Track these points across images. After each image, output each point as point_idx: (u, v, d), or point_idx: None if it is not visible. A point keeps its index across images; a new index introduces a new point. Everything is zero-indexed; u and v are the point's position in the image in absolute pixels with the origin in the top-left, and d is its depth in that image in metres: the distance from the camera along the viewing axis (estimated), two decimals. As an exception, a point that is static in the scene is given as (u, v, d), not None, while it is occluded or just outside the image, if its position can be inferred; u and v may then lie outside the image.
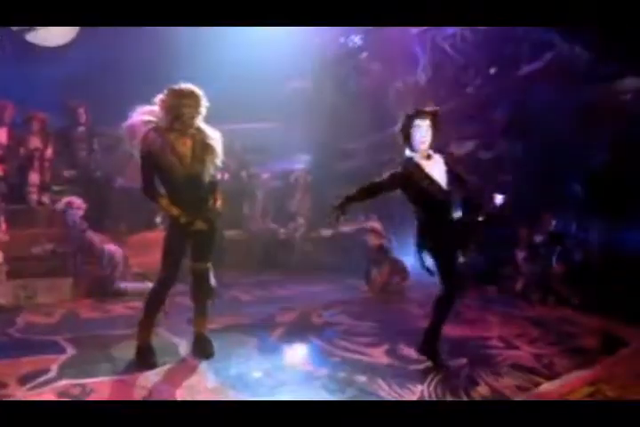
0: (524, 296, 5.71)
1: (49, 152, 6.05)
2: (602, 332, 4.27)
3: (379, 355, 3.58)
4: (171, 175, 3.16)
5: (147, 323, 3.35)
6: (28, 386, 2.84)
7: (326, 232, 7.87)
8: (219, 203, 3.48)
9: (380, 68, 9.41)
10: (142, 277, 5.65)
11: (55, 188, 6.08)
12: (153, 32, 7.14)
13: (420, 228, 3.28)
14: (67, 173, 6.29)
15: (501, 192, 6.30)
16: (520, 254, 6.09)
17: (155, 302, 3.34)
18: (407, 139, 3.25)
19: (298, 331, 4.17)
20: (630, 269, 5.26)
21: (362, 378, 3.09)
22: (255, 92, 8.55)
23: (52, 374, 3.05)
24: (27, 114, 6.15)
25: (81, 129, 6.71)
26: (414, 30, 8.69)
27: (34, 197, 5.75)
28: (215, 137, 3.33)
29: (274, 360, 3.45)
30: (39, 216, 5.68)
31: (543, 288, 5.65)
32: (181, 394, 2.82)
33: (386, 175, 3.23)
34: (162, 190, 3.24)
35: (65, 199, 5.34)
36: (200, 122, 3.29)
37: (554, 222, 5.96)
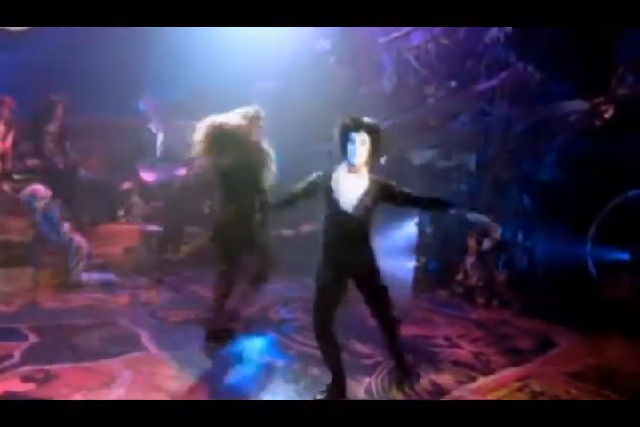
0: (471, 300, 6.08)
1: (10, 139, 6.00)
2: (536, 334, 4.65)
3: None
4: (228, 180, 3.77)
5: (218, 307, 3.75)
6: (-6, 369, 2.94)
7: (287, 232, 8.06)
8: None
9: (347, 74, 9.67)
10: (103, 267, 5.73)
11: (16, 176, 6.04)
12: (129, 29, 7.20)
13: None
14: (29, 163, 6.25)
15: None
16: (469, 260, 6.47)
17: (222, 291, 3.77)
18: (343, 149, 2.92)
19: (257, 325, 4.37)
20: (567, 277, 5.69)
21: (315, 370, 3.32)
22: (226, 91, 8.68)
23: (15, 359, 3.15)
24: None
25: (55, 123, 6.70)
26: (382, 39, 9.00)
27: (-6, 184, 5.71)
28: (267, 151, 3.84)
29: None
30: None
31: (488, 293, 6.04)
32: (143, 381, 2.97)
33: (304, 183, 3.04)
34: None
35: (30, 187, 5.33)
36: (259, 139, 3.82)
37: (500, 231, 6.33)
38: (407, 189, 3.03)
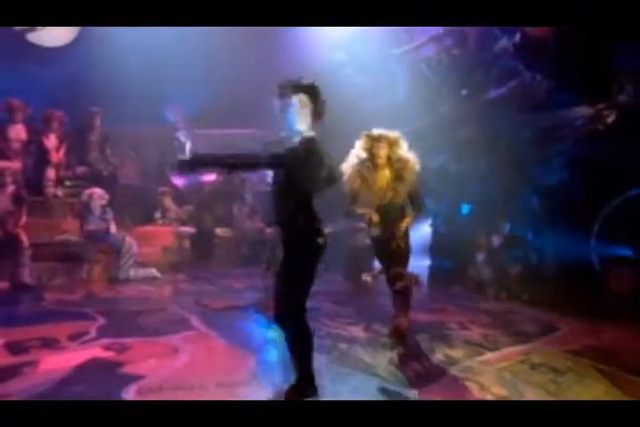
0: (481, 293, 6.57)
1: (64, 150, 6.65)
2: (540, 320, 5.13)
3: (357, 331, 4.36)
4: (370, 204, 4.03)
5: None
6: (78, 342, 3.53)
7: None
8: (405, 222, 4.02)
9: (363, 83, 10.19)
10: (143, 265, 6.34)
11: (67, 183, 6.68)
12: (159, 37, 7.82)
13: None
14: (78, 170, 6.89)
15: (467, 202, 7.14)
16: (480, 257, 6.95)
17: None
18: (283, 116, 2.76)
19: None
20: (574, 271, 6.13)
21: (343, 346, 3.86)
22: (245, 101, 9.28)
23: (91, 335, 3.74)
24: (45, 112, 6.74)
25: (95, 132, 7.32)
26: (395, 51, 9.51)
27: (50, 190, 6.35)
28: (411, 168, 3.97)
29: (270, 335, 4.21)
30: (54, 207, 6.29)
31: (498, 286, 6.52)
32: (201, 351, 3.55)
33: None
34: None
35: (88, 190, 5.94)
36: (403, 154, 3.98)
37: (508, 225, 6.80)
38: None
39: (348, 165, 4.05)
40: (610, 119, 6.54)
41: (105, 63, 8.02)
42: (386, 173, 4.00)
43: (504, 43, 7.99)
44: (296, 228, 2.69)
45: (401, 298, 3.99)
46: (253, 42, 9.47)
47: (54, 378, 2.81)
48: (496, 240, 6.92)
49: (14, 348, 3.36)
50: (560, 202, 6.66)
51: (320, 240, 2.68)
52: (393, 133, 4.02)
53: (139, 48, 8.23)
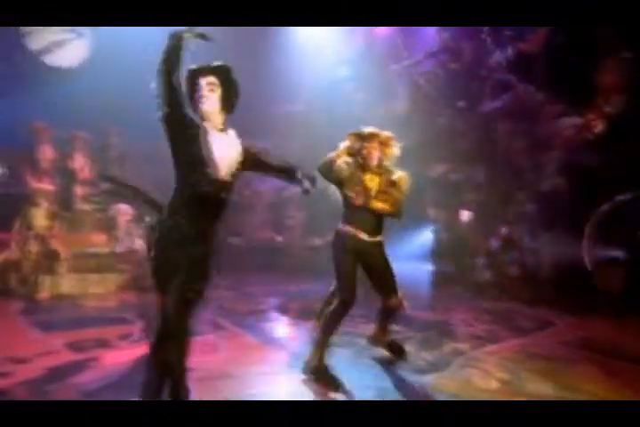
0: (482, 294, 7.02)
1: (89, 168, 7.13)
2: (538, 318, 5.58)
3: (370, 329, 4.79)
4: (350, 200, 3.55)
5: (323, 342, 3.46)
6: (127, 341, 3.99)
7: (318, 241, 9.10)
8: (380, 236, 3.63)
9: (364, 98, 10.68)
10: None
11: (94, 198, 7.15)
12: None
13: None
14: (103, 187, 7.36)
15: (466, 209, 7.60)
16: (480, 260, 7.41)
17: (334, 324, 3.48)
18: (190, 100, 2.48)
19: (307, 314, 5.38)
20: (567, 272, 6.57)
21: (361, 341, 4.31)
22: (253, 113, 9.75)
23: (136, 336, 4.20)
24: (70, 133, 7.22)
25: (115, 150, 7.80)
26: (394, 66, 10.02)
27: (78, 206, 6.82)
28: (401, 181, 3.59)
29: (292, 333, 4.68)
30: (84, 222, 6.75)
31: (498, 287, 6.97)
32: (236, 347, 4.01)
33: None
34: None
35: (116, 206, 6.41)
36: (390, 165, 3.64)
37: (505, 229, 7.25)
38: (268, 159, 2.75)
39: (333, 155, 3.58)
40: (598, 129, 6.96)
41: (119, 81, 8.46)
42: (374, 178, 3.58)
43: (498, 57, 8.46)
44: None
45: (389, 317, 3.88)
46: (259, 59, 10.00)
47: (120, 369, 3.28)
48: (494, 244, 7.38)
49: (75, 347, 3.84)
50: (554, 207, 7.06)
51: None
52: (384, 133, 3.60)
53: (152, 66, 8.71)
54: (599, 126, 6.97)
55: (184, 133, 2.36)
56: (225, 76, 2.48)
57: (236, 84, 2.52)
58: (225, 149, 2.44)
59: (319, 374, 3.34)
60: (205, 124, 2.43)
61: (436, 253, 8.43)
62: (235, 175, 2.49)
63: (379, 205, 3.54)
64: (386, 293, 3.68)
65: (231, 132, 2.53)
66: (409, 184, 3.65)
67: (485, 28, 8.40)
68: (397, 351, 3.91)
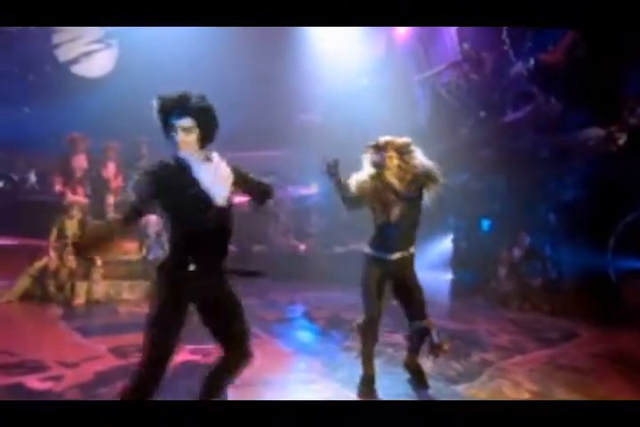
0: (505, 304, 7.07)
1: (121, 178, 7.34)
2: (563, 328, 5.64)
3: (398, 338, 4.87)
4: (375, 217, 3.48)
5: (367, 353, 3.51)
6: (166, 348, 4.13)
7: (339, 249, 9.23)
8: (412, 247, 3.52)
9: (384, 109, 10.78)
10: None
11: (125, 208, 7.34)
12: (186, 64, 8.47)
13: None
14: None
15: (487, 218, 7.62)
16: (502, 270, 7.46)
17: (364, 338, 3.49)
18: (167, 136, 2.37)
19: (335, 322, 5.51)
20: (591, 283, 6.61)
21: (390, 350, 4.42)
22: (269, 123, 9.93)
23: (174, 342, 4.34)
24: (104, 143, 7.44)
25: (143, 160, 7.97)
26: (416, 77, 10.13)
27: (110, 215, 7.02)
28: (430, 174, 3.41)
29: (322, 341, 4.79)
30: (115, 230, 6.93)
31: (521, 298, 7.02)
32: (268, 354, 4.15)
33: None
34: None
35: (145, 217, 6.59)
36: (417, 163, 3.41)
37: (528, 239, 7.30)
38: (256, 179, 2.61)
39: (357, 178, 3.50)
40: (621, 141, 6.98)
41: (145, 91, 8.67)
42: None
43: (519, 68, 8.50)
44: None
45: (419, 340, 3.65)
46: (280, 67, 10.18)
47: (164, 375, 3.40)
48: (517, 254, 7.43)
49: (118, 352, 4.00)
50: (576, 217, 7.10)
51: None
52: (401, 139, 3.45)
53: (177, 75, 8.92)
54: (622, 138, 6.99)
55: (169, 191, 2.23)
56: (203, 118, 2.28)
57: (215, 121, 2.34)
58: (212, 176, 2.31)
59: (361, 383, 3.41)
60: (185, 156, 2.30)
61: (457, 263, 8.49)
62: (230, 199, 2.37)
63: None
64: (411, 314, 3.54)
65: (214, 156, 2.37)
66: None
67: (507, 40, 8.47)
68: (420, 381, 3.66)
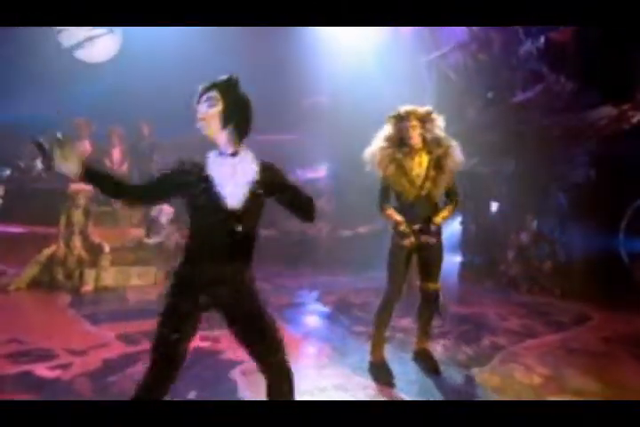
0: (514, 287, 7.01)
1: (127, 163, 7.30)
2: (574, 311, 5.58)
3: (407, 323, 4.85)
4: (401, 196, 3.40)
5: (379, 338, 3.52)
6: (176, 334, 4.12)
7: (347, 233, 9.18)
8: (441, 217, 3.41)
9: (391, 92, 10.62)
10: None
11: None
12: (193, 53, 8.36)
13: None
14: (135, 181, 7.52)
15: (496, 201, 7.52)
16: (510, 253, 7.39)
17: (378, 319, 3.51)
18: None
19: (344, 306, 5.48)
20: (602, 265, 6.53)
21: (400, 335, 4.39)
22: (277, 107, 9.83)
23: (182, 329, 4.33)
24: (108, 128, 7.37)
25: (144, 143, 7.93)
26: (423, 59, 9.95)
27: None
28: (452, 154, 3.35)
29: (332, 326, 4.77)
30: (121, 217, 6.93)
31: (530, 281, 6.96)
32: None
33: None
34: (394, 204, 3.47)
35: (158, 207, 6.54)
36: (440, 133, 3.37)
37: (535, 222, 7.21)
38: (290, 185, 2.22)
39: (375, 149, 3.43)
40: (635, 119, 6.84)
41: (148, 75, 8.58)
42: (423, 160, 3.38)
43: (528, 46, 8.31)
44: None
45: (429, 314, 3.63)
46: (287, 50, 10.05)
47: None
48: (525, 237, 7.35)
49: (126, 339, 3.99)
50: (586, 199, 7.00)
51: None
52: (423, 108, 3.42)
53: (179, 60, 8.80)
54: (636, 116, 6.84)
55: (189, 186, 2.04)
56: (230, 92, 2.08)
57: (243, 99, 2.11)
58: (229, 173, 2.05)
59: (373, 368, 3.42)
60: (210, 153, 2.10)
61: (465, 245, 8.44)
62: (249, 203, 2.05)
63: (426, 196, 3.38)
64: (426, 277, 3.50)
65: (245, 154, 2.12)
66: (458, 154, 3.39)
67: (516, 18, 8.27)
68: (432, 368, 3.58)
